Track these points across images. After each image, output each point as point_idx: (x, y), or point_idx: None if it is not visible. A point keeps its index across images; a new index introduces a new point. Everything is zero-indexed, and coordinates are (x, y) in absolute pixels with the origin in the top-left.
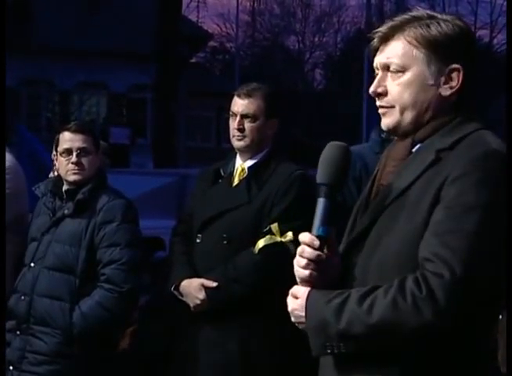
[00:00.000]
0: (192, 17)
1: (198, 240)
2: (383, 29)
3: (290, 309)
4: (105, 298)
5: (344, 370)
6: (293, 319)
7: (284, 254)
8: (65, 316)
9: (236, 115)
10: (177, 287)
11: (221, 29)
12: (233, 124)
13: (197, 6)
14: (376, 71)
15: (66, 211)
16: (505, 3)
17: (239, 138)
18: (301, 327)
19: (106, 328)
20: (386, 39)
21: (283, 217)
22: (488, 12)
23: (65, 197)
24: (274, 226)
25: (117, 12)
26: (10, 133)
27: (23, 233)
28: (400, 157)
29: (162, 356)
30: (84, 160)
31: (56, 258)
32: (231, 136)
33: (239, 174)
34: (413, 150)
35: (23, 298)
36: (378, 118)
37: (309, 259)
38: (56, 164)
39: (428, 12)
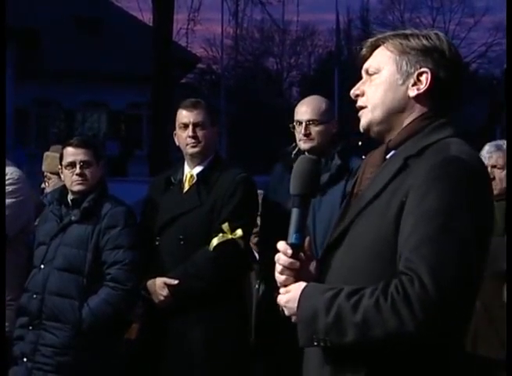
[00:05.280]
0: (182, 43)
1: (157, 243)
2: (370, 40)
3: (282, 302)
4: (110, 296)
5: (327, 364)
6: (286, 312)
7: (236, 249)
8: (74, 312)
9: (187, 125)
10: (144, 287)
11: (207, 53)
12: (184, 133)
13: (186, 33)
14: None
15: (73, 218)
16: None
17: (194, 144)
18: (293, 319)
19: (112, 322)
20: (371, 50)
21: (231, 216)
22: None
23: (71, 205)
24: (225, 225)
25: (117, 40)
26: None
27: (29, 240)
28: (376, 164)
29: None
30: (86, 172)
31: (65, 260)
32: (183, 145)
33: (189, 180)
34: (387, 156)
35: (34, 296)
36: None
37: (283, 266)
38: (47, 181)
39: (414, 29)
